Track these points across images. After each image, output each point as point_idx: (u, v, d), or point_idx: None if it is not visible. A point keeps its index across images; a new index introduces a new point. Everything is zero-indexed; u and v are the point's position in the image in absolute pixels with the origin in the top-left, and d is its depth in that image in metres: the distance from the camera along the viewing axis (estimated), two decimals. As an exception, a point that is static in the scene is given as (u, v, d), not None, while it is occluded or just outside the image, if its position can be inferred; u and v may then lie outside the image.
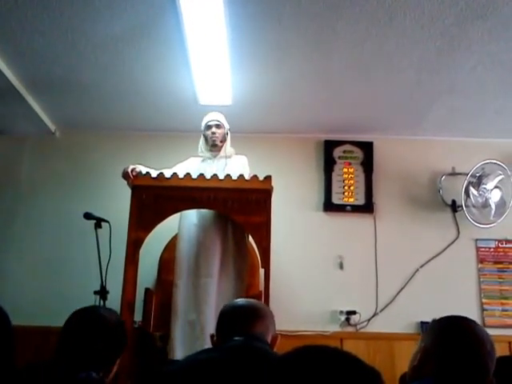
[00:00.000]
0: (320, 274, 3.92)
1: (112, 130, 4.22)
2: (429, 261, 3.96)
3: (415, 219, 4.08)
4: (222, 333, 1.69)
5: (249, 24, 2.81)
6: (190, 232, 3.16)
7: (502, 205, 3.84)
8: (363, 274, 3.94)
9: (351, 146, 4.22)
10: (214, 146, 3.35)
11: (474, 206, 3.84)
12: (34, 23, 2.82)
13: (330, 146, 4.22)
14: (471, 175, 3.83)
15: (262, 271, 2.92)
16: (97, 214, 3.13)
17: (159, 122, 4.09)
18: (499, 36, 2.84)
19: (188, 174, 2.99)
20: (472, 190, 3.82)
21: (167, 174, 3.03)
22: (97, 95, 3.68)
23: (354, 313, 3.82)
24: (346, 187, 4.13)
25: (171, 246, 3.44)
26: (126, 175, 3.01)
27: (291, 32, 2.88)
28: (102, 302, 2.93)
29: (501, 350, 1.49)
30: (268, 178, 2.97)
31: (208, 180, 2.98)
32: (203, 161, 3.37)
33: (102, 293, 2.95)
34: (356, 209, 4.08)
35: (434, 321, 1.57)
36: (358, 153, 4.21)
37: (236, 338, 1.59)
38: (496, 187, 3.84)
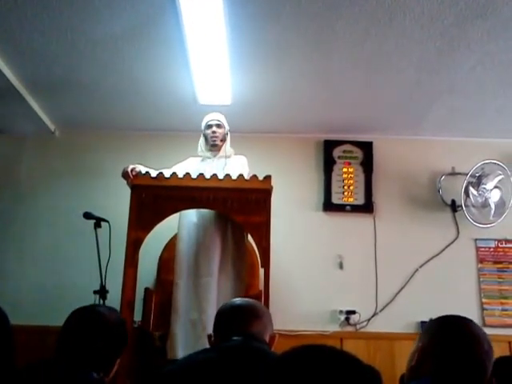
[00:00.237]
0: (320, 273, 3.92)
1: (111, 130, 4.22)
2: (428, 260, 3.96)
3: (415, 219, 4.08)
4: (220, 332, 1.69)
5: (248, 24, 2.81)
6: (190, 231, 3.16)
7: (501, 205, 3.85)
8: (363, 273, 3.94)
9: (351, 145, 4.22)
10: (214, 146, 3.35)
11: (473, 206, 3.84)
12: (34, 22, 2.82)
13: (329, 146, 4.22)
14: (471, 175, 3.83)
15: (261, 271, 2.92)
16: (96, 213, 3.13)
17: (159, 122, 4.09)
18: (499, 36, 2.84)
19: (188, 174, 2.99)
20: (472, 189, 3.82)
21: (167, 173, 3.03)
22: (96, 95, 3.68)
23: (353, 312, 3.82)
24: (346, 187, 4.13)
25: (171, 246, 3.44)
26: (125, 175, 3.01)
27: (291, 32, 2.88)
28: (101, 302, 2.93)
29: (501, 350, 1.49)
30: (268, 178, 2.97)
31: (208, 180, 2.98)
32: (202, 160, 3.37)
33: (102, 292, 2.95)
34: (356, 209, 4.08)
35: (431, 320, 1.57)
36: (358, 153, 4.21)
37: (234, 338, 1.59)
38: (496, 187, 3.84)
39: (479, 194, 3.82)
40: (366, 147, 4.21)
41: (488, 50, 2.99)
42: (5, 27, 2.86)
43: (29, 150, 4.23)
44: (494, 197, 3.83)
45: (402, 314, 3.83)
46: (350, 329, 3.83)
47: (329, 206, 4.08)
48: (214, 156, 3.36)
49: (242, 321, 1.67)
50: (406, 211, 4.11)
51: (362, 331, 3.82)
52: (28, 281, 3.85)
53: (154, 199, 2.96)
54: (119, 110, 3.94)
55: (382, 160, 4.20)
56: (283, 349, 1.04)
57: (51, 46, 3.06)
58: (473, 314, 3.64)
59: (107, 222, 3.13)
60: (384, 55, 3.09)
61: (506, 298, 3.94)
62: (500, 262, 4.03)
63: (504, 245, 4.06)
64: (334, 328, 3.82)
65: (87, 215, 3.11)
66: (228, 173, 3.02)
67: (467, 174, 3.84)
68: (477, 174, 3.84)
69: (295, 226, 4.01)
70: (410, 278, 3.93)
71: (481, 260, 4.02)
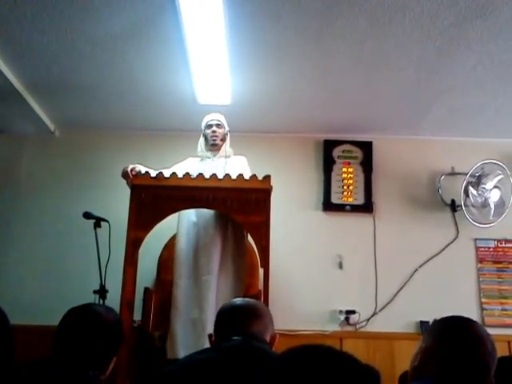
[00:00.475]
0: (319, 273, 3.92)
1: (111, 130, 4.22)
2: (428, 260, 3.96)
3: (414, 219, 4.08)
4: (221, 332, 1.69)
5: (248, 23, 2.81)
6: (189, 230, 3.16)
7: (501, 204, 3.85)
8: (362, 273, 3.94)
9: (350, 145, 4.22)
10: (214, 145, 3.35)
11: (473, 206, 3.84)
12: (34, 22, 2.82)
13: (329, 146, 4.22)
14: (470, 175, 3.83)
15: (261, 271, 2.92)
16: (96, 213, 3.13)
17: (158, 122, 4.09)
18: (498, 36, 2.84)
19: (187, 174, 3.00)
20: (471, 189, 3.82)
21: (166, 173, 3.03)
22: (96, 95, 3.68)
23: (353, 312, 3.82)
24: (346, 187, 4.13)
25: (170, 246, 3.44)
26: (125, 175, 3.01)
27: (290, 31, 2.88)
28: (101, 302, 2.93)
29: (500, 350, 1.49)
30: (267, 178, 2.98)
31: (207, 179, 2.98)
32: (202, 160, 3.37)
33: (102, 292, 2.95)
34: (355, 208, 4.08)
35: (435, 321, 1.57)
36: (358, 152, 4.21)
37: (234, 338, 1.59)
38: (495, 187, 3.84)
39: (479, 194, 3.82)
40: (366, 147, 4.21)
41: (488, 50, 2.99)
42: (5, 27, 2.86)
43: (29, 150, 4.23)
44: (494, 197, 3.83)
45: (402, 313, 3.83)
46: (349, 328, 3.83)
47: (328, 206, 4.08)
48: (214, 156, 3.36)
49: (242, 321, 1.67)
50: (405, 211, 4.11)
51: (362, 331, 3.82)
52: (28, 280, 3.85)
53: (153, 199, 2.96)
54: (119, 110, 3.94)
55: (381, 160, 4.20)
56: (282, 349, 1.04)
57: (51, 46, 3.05)
58: (472, 314, 3.64)
59: (107, 221, 3.13)
60: (384, 55, 3.09)
61: (505, 297, 3.94)
62: (500, 262, 4.03)
63: (504, 245, 4.06)
64: (333, 328, 3.82)
65: (87, 215, 3.11)
66: (228, 172, 3.02)
67: (467, 174, 3.84)
68: (476, 174, 3.84)
69: (295, 225, 4.01)
70: (410, 277, 3.93)
71: (480, 260, 4.02)
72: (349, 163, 4.19)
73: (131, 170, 2.99)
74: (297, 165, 4.18)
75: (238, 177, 2.98)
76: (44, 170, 4.17)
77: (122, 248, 2.87)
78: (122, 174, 3.02)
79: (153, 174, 3.03)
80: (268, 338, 1.69)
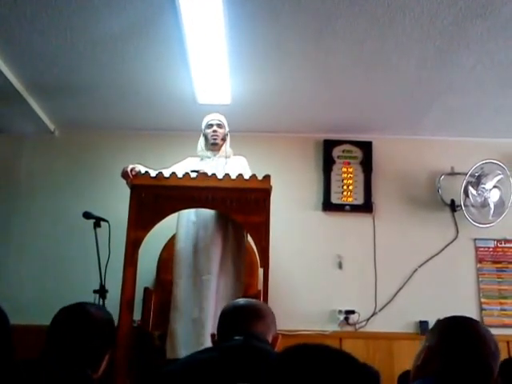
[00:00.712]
0: (319, 273, 3.92)
1: (111, 130, 4.22)
2: (428, 260, 3.96)
3: (414, 219, 4.08)
4: (223, 332, 1.69)
5: (248, 23, 2.81)
6: (189, 230, 3.16)
7: (500, 204, 3.85)
8: (362, 273, 3.94)
9: (350, 145, 4.22)
10: (215, 145, 3.35)
11: (472, 206, 3.84)
12: (33, 22, 2.82)
13: (329, 146, 4.22)
14: (470, 175, 3.83)
15: (260, 270, 2.92)
16: (96, 213, 3.14)
17: (158, 122, 4.09)
18: (498, 35, 2.84)
19: (187, 174, 2.99)
20: (471, 189, 3.82)
21: (166, 173, 3.03)
22: (96, 94, 3.68)
23: (352, 312, 3.82)
24: (345, 187, 4.13)
25: (170, 246, 3.44)
26: (125, 175, 3.00)
27: (290, 31, 2.88)
28: (101, 301, 2.93)
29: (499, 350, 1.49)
30: (267, 178, 2.97)
31: (207, 179, 2.97)
32: (202, 160, 3.37)
33: (102, 292, 2.95)
34: (355, 208, 4.08)
35: (438, 321, 1.57)
36: (357, 152, 4.21)
37: (236, 338, 1.60)
38: (495, 187, 3.84)
39: (478, 194, 3.82)
40: (366, 147, 4.21)
41: (487, 50, 2.99)
42: (4, 27, 2.86)
43: (28, 150, 4.23)
44: (494, 196, 3.83)
45: (401, 313, 3.83)
46: (349, 328, 3.83)
47: (328, 206, 4.08)
48: (214, 156, 3.36)
49: (244, 321, 1.68)
50: (405, 211, 4.11)
51: (361, 331, 3.82)
52: (28, 280, 3.85)
53: (153, 199, 2.96)
54: (118, 110, 3.94)
55: (381, 160, 4.20)
56: (282, 349, 1.04)
57: (50, 46, 3.05)
58: (472, 314, 3.62)
59: (107, 221, 3.13)
60: (384, 54, 3.09)
61: (504, 297, 3.94)
62: (499, 262, 4.03)
63: (503, 245, 4.07)
64: (333, 328, 3.82)
65: (87, 215, 3.11)
66: (227, 172, 3.02)
67: (466, 174, 3.84)
68: (476, 174, 3.84)
69: (294, 225, 4.01)
70: (409, 277, 3.93)
71: (480, 260, 4.03)
72: (348, 163, 4.19)
73: (131, 170, 2.99)
74: (296, 165, 4.18)
75: (237, 177, 2.98)
76: (44, 169, 4.17)
77: (122, 248, 2.87)
78: (122, 173, 3.02)
79: (153, 173, 3.02)
80: (270, 339, 1.69)
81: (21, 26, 2.86)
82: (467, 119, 3.93)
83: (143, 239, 2.90)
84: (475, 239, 4.05)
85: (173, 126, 4.11)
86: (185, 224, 3.19)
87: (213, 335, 1.75)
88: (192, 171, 3.03)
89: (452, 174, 4.13)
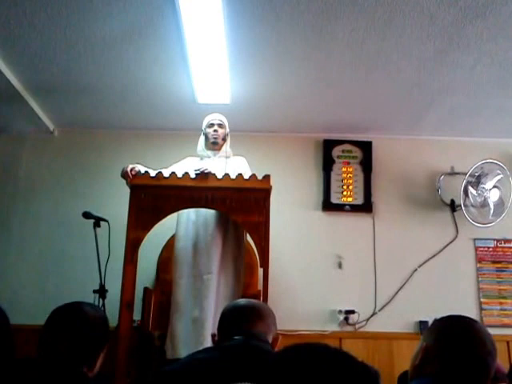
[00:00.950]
0: (319, 273, 3.92)
1: (110, 129, 4.22)
2: (427, 260, 3.96)
3: (414, 219, 4.08)
4: (223, 332, 1.70)
5: (247, 22, 2.81)
6: (188, 229, 3.15)
7: (500, 204, 3.85)
8: (362, 273, 3.94)
9: (350, 145, 4.23)
10: (215, 144, 3.35)
11: (472, 206, 3.84)
12: (32, 22, 2.81)
13: (328, 146, 4.22)
14: (470, 175, 3.83)
15: (260, 270, 2.92)
16: (95, 213, 3.14)
17: (157, 121, 4.09)
18: (498, 35, 2.84)
19: (187, 173, 2.99)
20: (471, 189, 3.82)
21: (166, 173, 3.02)
22: (95, 94, 3.68)
23: (352, 312, 3.82)
24: (345, 186, 4.13)
25: (170, 246, 3.43)
26: (125, 175, 3.00)
27: (290, 31, 2.87)
28: (101, 301, 2.93)
29: (499, 350, 1.49)
30: (267, 178, 2.97)
31: (207, 179, 2.97)
32: (202, 160, 3.37)
33: (101, 292, 2.96)
34: (355, 208, 4.08)
35: (436, 320, 1.57)
36: (357, 152, 4.22)
37: (236, 337, 1.60)
38: (495, 187, 3.83)
39: (478, 194, 3.82)
40: (366, 147, 4.21)
41: (487, 50, 2.99)
42: (4, 27, 2.86)
43: (28, 150, 4.23)
44: (493, 196, 3.83)
45: (401, 313, 3.83)
46: (349, 328, 3.83)
47: (328, 206, 4.08)
48: (214, 155, 3.36)
49: (245, 321, 1.68)
50: (405, 211, 4.11)
51: (361, 331, 3.82)
52: (27, 280, 3.84)
53: (153, 199, 2.96)
54: (118, 110, 3.94)
55: (381, 160, 4.20)
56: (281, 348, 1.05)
57: (50, 46, 3.05)
58: (471, 314, 3.62)
59: (106, 221, 3.13)
60: (383, 54, 3.09)
61: (504, 297, 3.94)
62: (499, 262, 4.03)
63: (503, 244, 4.07)
64: (333, 328, 3.82)
65: (86, 215, 3.11)
66: (227, 172, 3.01)
67: (466, 174, 3.84)
68: (476, 174, 3.84)
69: (294, 225, 4.01)
70: (409, 277, 3.93)
71: (480, 260, 4.03)
72: (348, 163, 4.19)
73: (131, 170, 2.98)
74: (296, 164, 4.18)
75: (237, 176, 2.97)
76: (43, 169, 4.17)
77: (122, 248, 2.87)
78: (122, 173, 3.01)
79: (152, 173, 3.02)
80: (270, 339, 1.69)
81: (20, 26, 2.86)
82: (467, 119, 3.93)
83: (143, 239, 2.90)
84: (475, 239, 4.05)
85: (172, 126, 4.11)
86: (184, 223, 3.18)
87: (213, 335, 1.75)
88: (195, 170, 3.01)
89: (452, 173, 4.13)
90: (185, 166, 3.23)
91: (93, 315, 1.66)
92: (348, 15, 2.71)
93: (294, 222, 4.01)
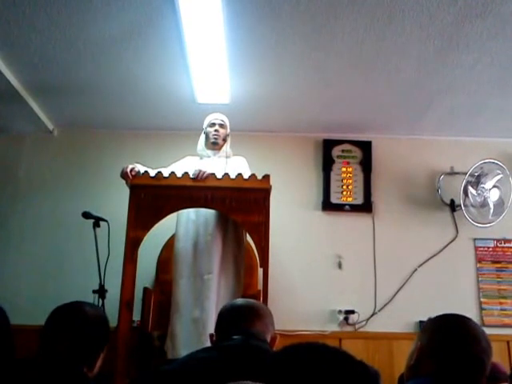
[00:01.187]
0: (318, 273, 3.92)
1: (110, 129, 4.21)
2: (427, 260, 3.96)
3: (414, 219, 4.08)
4: (221, 332, 1.69)
5: (247, 22, 2.81)
6: (188, 229, 3.15)
7: (500, 204, 3.84)
8: (362, 273, 3.94)
9: (350, 145, 4.22)
10: (215, 144, 3.34)
11: (472, 206, 3.84)
12: (32, 21, 2.81)
13: (328, 145, 4.21)
14: (470, 174, 3.83)
15: (260, 270, 2.92)
16: (95, 213, 3.13)
17: (157, 121, 4.09)
18: (498, 35, 2.84)
19: (186, 173, 2.99)
20: (470, 189, 3.82)
21: (165, 173, 3.02)
22: (95, 94, 3.67)
23: (352, 312, 3.82)
24: (345, 186, 4.13)
25: (170, 245, 3.43)
26: (125, 175, 2.99)
27: (290, 30, 2.87)
28: (100, 301, 2.93)
29: (499, 350, 1.50)
30: (266, 177, 2.97)
31: (206, 179, 2.97)
32: (201, 159, 3.36)
33: (101, 292, 2.95)
34: (354, 208, 4.08)
35: (429, 319, 1.57)
36: (357, 152, 4.21)
37: (235, 337, 1.60)
38: (494, 186, 3.83)
39: (478, 194, 3.82)
40: (365, 147, 4.21)
41: (487, 49, 2.99)
42: (3, 27, 2.86)
43: (27, 150, 4.22)
44: (493, 196, 3.83)
45: (401, 313, 3.83)
46: (348, 328, 3.83)
47: (327, 206, 4.08)
48: (214, 155, 3.35)
49: (243, 320, 1.68)
50: (404, 211, 4.11)
51: (361, 331, 3.82)
52: (27, 280, 3.84)
53: (152, 199, 2.96)
54: (118, 110, 3.93)
55: (380, 159, 4.20)
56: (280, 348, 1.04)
57: (49, 46, 3.05)
58: (471, 314, 3.63)
59: (106, 221, 3.13)
60: (383, 54, 3.09)
61: (504, 297, 3.94)
62: (499, 262, 4.03)
63: (503, 244, 4.06)
64: (332, 328, 3.82)
65: (86, 215, 3.10)
66: (227, 172, 3.01)
67: (466, 174, 3.84)
68: (476, 174, 3.84)
69: (294, 225, 4.00)
70: (409, 277, 3.93)
71: (479, 259, 4.02)
72: (348, 163, 4.19)
73: (131, 171, 2.98)
74: (296, 164, 4.18)
75: (237, 176, 2.97)
76: (43, 169, 4.16)
77: (122, 248, 2.87)
78: (122, 174, 3.00)
79: (152, 173, 3.01)
80: (269, 339, 1.69)
81: (20, 26, 2.85)
82: (467, 119, 3.93)
83: (142, 239, 2.89)
84: (475, 239, 4.05)
85: (172, 126, 4.11)
86: (184, 223, 3.18)
87: (211, 335, 1.75)
88: (192, 175, 3.00)
89: (452, 173, 4.13)
90: (184, 166, 3.22)
91: (93, 315, 1.66)
92: (347, 15, 2.71)
93: (293, 222, 4.00)
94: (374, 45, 2.98)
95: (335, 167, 4.17)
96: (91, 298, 2.86)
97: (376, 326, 3.83)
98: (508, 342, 3.74)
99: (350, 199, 4.10)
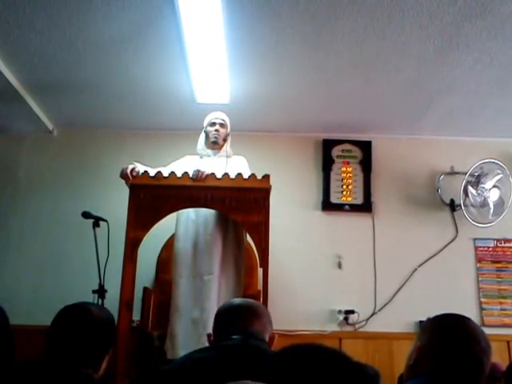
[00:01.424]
0: (318, 273, 3.92)
1: (110, 129, 4.21)
2: (427, 260, 3.96)
3: (414, 218, 4.08)
4: (219, 332, 1.69)
5: (247, 22, 2.81)
6: (188, 228, 3.14)
7: (500, 204, 3.84)
8: (362, 273, 3.94)
9: (350, 145, 4.22)
10: (215, 144, 3.33)
11: (472, 206, 3.84)
12: (32, 21, 2.81)
13: (328, 145, 4.21)
14: (470, 174, 3.83)
15: (260, 270, 2.92)
16: (95, 212, 3.13)
17: (157, 121, 4.08)
18: (497, 34, 2.84)
19: (186, 173, 2.99)
20: (470, 189, 3.82)
21: (165, 172, 3.02)
22: (94, 94, 3.67)
23: (352, 312, 3.81)
24: (345, 186, 4.13)
25: (169, 245, 3.43)
26: (125, 176, 2.98)
27: (290, 30, 2.87)
28: (100, 301, 2.92)
29: (499, 350, 1.50)
30: (266, 177, 2.97)
31: (206, 178, 2.97)
32: (201, 158, 3.36)
33: (101, 292, 2.95)
34: (354, 208, 4.08)
35: (429, 319, 1.57)
36: (357, 152, 4.21)
37: (233, 337, 1.59)
38: (494, 186, 3.83)
39: (478, 194, 3.82)
40: (365, 146, 4.21)
41: (487, 49, 2.99)
42: (3, 26, 2.85)
43: (27, 150, 4.22)
44: (493, 196, 3.83)
45: (401, 313, 3.83)
46: (348, 328, 3.83)
47: (327, 206, 4.08)
48: (214, 155, 3.35)
49: (241, 320, 1.68)
50: (404, 211, 4.11)
51: (361, 331, 3.82)
52: (26, 280, 3.84)
53: (152, 198, 2.95)
54: (117, 109, 3.93)
55: (380, 159, 4.20)
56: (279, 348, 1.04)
57: (49, 46, 3.05)
58: (471, 314, 3.63)
59: (106, 221, 3.13)
60: (383, 54, 3.09)
61: (504, 297, 3.94)
62: (499, 262, 4.03)
63: (503, 244, 4.06)
64: (332, 328, 3.82)
65: (86, 214, 3.10)
66: (227, 172, 3.01)
67: (466, 174, 3.84)
68: (476, 174, 3.84)
69: (294, 225, 4.00)
70: (409, 277, 3.93)
71: (479, 259, 4.02)
72: (348, 163, 4.19)
73: (131, 172, 2.97)
74: (296, 164, 4.18)
75: (236, 176, 2.97)
76: (42, 169, 4.16)
77: (121, 248, 2.87)
78: (121, 175, 3.00)
79: (152, 173, 3.01)
80: (267, 338, 1.69)
81: (19, 26, 2.85)
82: (467, 118, 3.93)
83: (142, 239, 2.89)
84: (475, 239, 4.05)
85: (172, 126, 4.11)
86: (184, 223, 3.17)
87: (209, 335, 1.75)
88: (191, 176, 3.00)
89: (451, 173, 4.13)
90: (184, 165, 3.22)
91: (99, 316, 1.66)
92: (347, 15, 2.71)
93: (293, 222, 4.00)
94: (374, 45, 2.98)
95: (335, 167, 4.17)
96: (91, 298, 2.86)
97: (376, 326, 3.83)
98: (508, 342, 3.74)
99: (349, 199, 4.10)
